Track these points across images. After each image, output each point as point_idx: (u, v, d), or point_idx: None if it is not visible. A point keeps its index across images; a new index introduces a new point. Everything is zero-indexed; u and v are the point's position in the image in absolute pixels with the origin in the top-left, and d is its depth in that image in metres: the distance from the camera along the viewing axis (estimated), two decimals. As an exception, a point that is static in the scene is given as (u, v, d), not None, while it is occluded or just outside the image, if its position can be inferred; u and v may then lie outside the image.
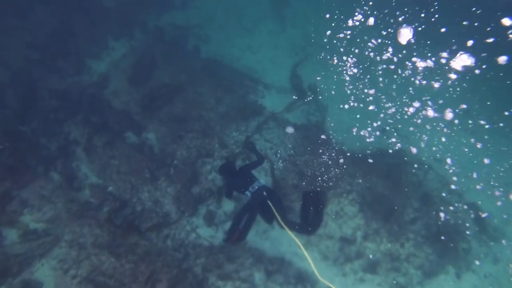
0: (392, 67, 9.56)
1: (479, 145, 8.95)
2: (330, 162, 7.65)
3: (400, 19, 9.19)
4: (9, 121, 7.95)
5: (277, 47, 10.98)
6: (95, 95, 8.88)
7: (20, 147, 7.55)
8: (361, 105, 9.36)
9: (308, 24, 11.52)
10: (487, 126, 9.29)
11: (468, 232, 7.15)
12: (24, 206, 6.86)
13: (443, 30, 8.08)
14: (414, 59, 8.29)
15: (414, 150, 8.34)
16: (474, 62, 5.44)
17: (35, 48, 9.38)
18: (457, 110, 9.16)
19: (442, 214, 7.19)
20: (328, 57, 10.02)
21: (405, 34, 5.77)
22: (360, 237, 6.89)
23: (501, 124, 9.28)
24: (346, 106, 9.38)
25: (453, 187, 7.80)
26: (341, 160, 7.70)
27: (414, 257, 6.71)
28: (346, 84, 9.73)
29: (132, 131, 8.27)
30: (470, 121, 9.60)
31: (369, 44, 9.73)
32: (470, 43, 6.39)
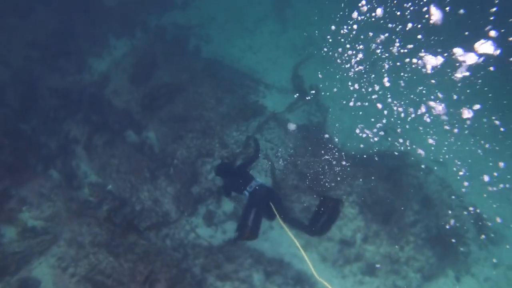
0: (399, 63, 9.35)
1: (487, 146, 8.78)
2: (330, 163, 7.63)
3: (407, 13, 8.86)
4: (9, 120, 7.95)
5: (278, 48, 10.96)
6: (95, 94, 8.88)
7: (20, 145, 7.55)
8: (366, 103, 9.25)
9: (309, 24, 11.49)
10: (502, 129, 9.07)
11: (468, 236, 7.12)
12: (23, 204, 6.85)
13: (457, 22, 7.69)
14: (423, 54, 8.09)
15: (420, 151, 8.27)
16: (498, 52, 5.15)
17: (35, 47, 9.38)
18: (469, 110, 8.84)
19: (452, 221, 7.14)
20: (331, 53, 9.93)
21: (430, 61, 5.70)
22: (359, 240, 6.86)
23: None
24: (350, 104, 9.28)
25: (463, 190, 7.74)
26: (342, 162, 7.68)
27: (413, 260, 6.69)
28: (349, 83, 9.62)
29: (132, 130, 8.26)
30: (484, 120, 9.27)
31: (375, 39, 9.48)
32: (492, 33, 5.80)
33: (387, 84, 9.50)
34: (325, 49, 10.32)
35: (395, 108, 9.24)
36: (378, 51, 9.75)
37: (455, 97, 8.94)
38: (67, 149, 7.82)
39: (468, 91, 8.71)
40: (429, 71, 7.76)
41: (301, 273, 6.49)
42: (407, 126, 8.91)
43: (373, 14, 8.73)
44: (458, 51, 6.05)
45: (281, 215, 5.25)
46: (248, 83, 9.64)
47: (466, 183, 8.06)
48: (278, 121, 8.60)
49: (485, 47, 5.42)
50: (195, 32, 10.99)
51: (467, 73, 6.65)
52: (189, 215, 7.12)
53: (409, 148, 8.48)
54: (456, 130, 8.96)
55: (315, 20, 11.29)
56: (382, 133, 8.71)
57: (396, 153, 8.29)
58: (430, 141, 8.75)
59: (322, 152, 7.87)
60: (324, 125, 8.75)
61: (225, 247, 6.71)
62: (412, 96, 9.37)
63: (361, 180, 7.53)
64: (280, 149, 8.01)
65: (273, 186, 7.33)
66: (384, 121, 8.97)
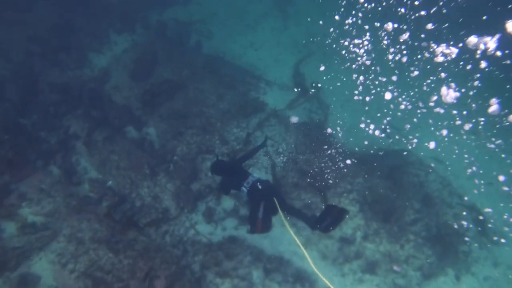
0: (405, 59, 9.15)
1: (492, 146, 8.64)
2: (331, 161, 7.60)
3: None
4: (9, 114, 7.92)
5: (279, 44, 10.91)
6: (96, 89, 8.85)
7: (20, 140, 7.52)
8: (369, 97, 9.13)
9: (311, 21, 11.41)
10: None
11: (468, 234, 7.10)
12: (23, 199, 6.84)
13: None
14: (433, 45, 7.85)
15: (422, 149, 8.19)
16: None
17: (36, 42, 9.34)
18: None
19: (464, 223, 7.10)
20: (333, 49, 9.81)
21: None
22: (359, 238, 6.85)
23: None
24: (352, 101, 9.16)
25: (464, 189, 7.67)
26: (343, 159, 7.66)
27: (413, 258, 6.67)
28: (351, 79, 9.51)
29: (132, 126, 8.23)
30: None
31: (382, 30, 9.21)
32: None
33: (394, 79, 9.36)
34: (328, 43, 10.23)
35: (398, 104, 9.11)
36: (385, 41, 9.50)
37: (464, 90, 8.71)
38: (67, 144, 7.79)
39: (478, 84, 8.42)
40: (439, 61, 7.51)
41: (300, 271, 6.48)
42: (408, 126, 8.85)
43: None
44: (472, 40, 5.78)
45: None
46: (249, 80, 9.60)
47: (467, 182, 8.04)
48: (279, 118, 8.57)
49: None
50: (196, 28, 10.94)
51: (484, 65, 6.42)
52: (189, 212, 7.10)
53: (410, 146, 8.45)
54: (458, 124, 8.83)
55: (316, 17, 11.20)
56: (382, 135, 8.64)
57: (397, 152, 8.26)
58: (432, 139, 8.70)
59: (323, 149, 7.84)
60: (325, 123, 8.72)
61: (224, 244, 6.70)
62: (416, 90, 9.22)
63: (361, 178, 7.51)
64: (280, 146, 7.99)
65: (272, 182, 7.31)
66: (387, 118, 8.90)
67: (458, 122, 8.83)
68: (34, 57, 9.15)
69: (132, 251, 6.46)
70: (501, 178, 7.97)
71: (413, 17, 8.74)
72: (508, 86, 8.70)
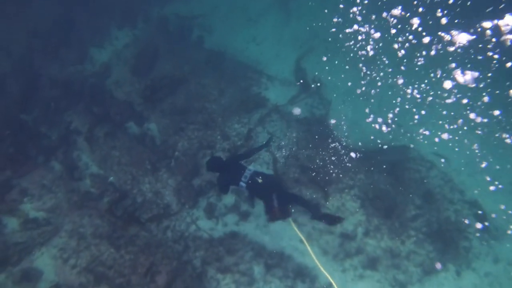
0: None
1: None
2: (332, 157, 7.58)
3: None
4: (10, 110, 7.92)
5: (281, 39, 10.81)
6: (97, 84, 8.84)
7: (21, 136, 7.53)
8: (374, 90, 9.02)
9: (313, 16, 11.31)
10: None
11: (469, 231, 7.09)
12: (24, 195, 6.87)
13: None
14: (442, 34, 7.58)
15: (423, 145, 8.12)
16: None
17: (36, 37, 9.33)
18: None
19: (466, 220, 7.08)
20: (335, 44, 9.68)
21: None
22: (360, 233, 6.85)
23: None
24: (354, 96, 9.06)
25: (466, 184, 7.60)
26: (344, 155, 7.64)
27: (414, 254, 6.68)
28: (354, 75, 9.41)
29: (133, 121, 8.23)
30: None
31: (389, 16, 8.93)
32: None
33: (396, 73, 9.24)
34: (331, 35, 10.13)
35: (404, 97, 8.99)
36: (393, 30, 9.28)
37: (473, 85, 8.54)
38: (68, 140, 7.81)
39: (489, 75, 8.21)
40: (450, 50, 7.27)
41: (301, 266, 6.50)
42: (416, 119, 8.79)
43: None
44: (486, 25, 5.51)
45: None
46: (250, 75, 9.55)
47: (468, 178, 8.01)
48: (281, 114, 8.54)
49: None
50: (198, 23, 10.86)
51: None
52: (190, 208, 7.12)
53: (412, 143, 8.40)
54: (460, 122, 8.77)
55: (319, 12, 11.10)
56: (388, 129, 8.55)
57: (399, 147, 8.22)
58: (433, 134, 8.65)
59: (324, 145, 7.81)
60: (327, 118, 8.68)
61: (225, 239, 6.72)
62: (420, 84, 9.11)
63: (363, 174, 7.49)
64: (282, 142, 7.97)
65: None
66: (390, 114, 8.84)
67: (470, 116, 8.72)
68: (34, 52, 9.14)
69: (134, 247, 6.50)
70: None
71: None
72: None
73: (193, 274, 6.33)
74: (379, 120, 8.73)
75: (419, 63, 9.12)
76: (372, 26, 9.34)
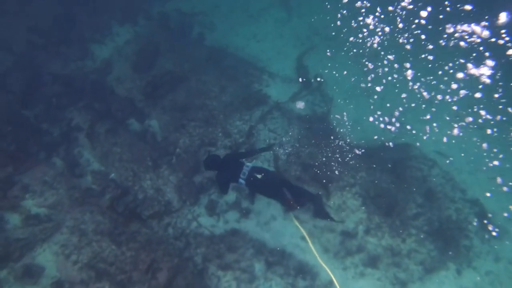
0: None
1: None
2: (334, 154, 7.58)
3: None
4: (12, 106, 7.91)
5: (282, 36, 10.79)
6: (98, 81, 8.82)
7: (22, 132, 7.53)
8: (378, 87, 8.95)
9: (314, 13, 11.26)
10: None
11: (470, 229, 7.10)
12: (26, 191, 6.87)
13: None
14: (449, 26, 7.34)
15: (425, 143, 8.09)
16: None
17: (37, 33, 9.30)
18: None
19: (455, 214, 7.05)
20: (337, 40, 9.57)
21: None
22: (361, 231, 6.86)
23: None
24: (356, 94, 8.97)
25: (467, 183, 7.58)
26: (346, 153, 7.63)
27: (415, 252, 6.68)
28: (356, 72, 9.34)
29: (135, 118, 8.22)
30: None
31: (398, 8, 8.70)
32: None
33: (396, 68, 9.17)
34: (333, 31, 10.08)
35: (407, 95, 8.92)
36: (400, 24, 9.10)
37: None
38: (70, 136, 7.80)
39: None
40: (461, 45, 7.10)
41: (302, 264, 6.51)
42: (415, 120, 8.77)
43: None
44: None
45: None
46: (251, 72, 9.53)
47: (470, 176, 8.00)
48: (282, 111, 8.53)
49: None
50: (199, 20, 10.83)
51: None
52: (191, 204, 7.12)
53: (415, 140, 8.38)
54: (464, 123, 8.76)
55: (320, 9, 11.06)
56: (392, 128, 8.51)
57: (400, 145, 8.21)
58: (435, 132, 8.64)
59: (326, 143, 7.81)
60: (328, 116, 8.67)
61: (226, 237, 6.73)
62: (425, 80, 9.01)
63: (364, 172, 7.49)
64: (283, 139, 7.96)
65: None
66: (394, 111, 8.80)
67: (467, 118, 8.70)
68: (35, 48, 9.12)
69: (135, 243, 6.51)
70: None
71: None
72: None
73: (194, 271, 6.34)
74: (382, 117, 8.72)
75: (426, 58, 9.02)
76: (377, 20, 9.25)
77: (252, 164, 5.66)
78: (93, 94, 8.45)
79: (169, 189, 7.26)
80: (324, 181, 7.21)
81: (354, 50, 9.76)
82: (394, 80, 9.24)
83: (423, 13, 8.05)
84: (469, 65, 7.61)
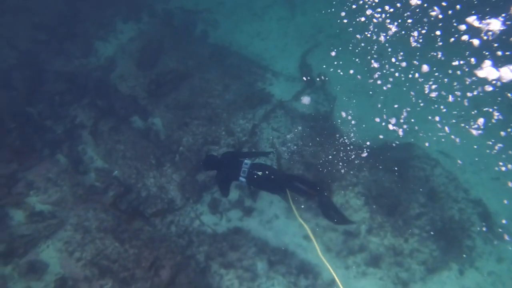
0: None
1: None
2: (337, 154, 7.57)
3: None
4: (16, 103, 7.95)
5: (286, 35, 10.75)
6: (101, 78, 8.83)
7: (27, 129, 7.56)
8: (385, 87, 8.88)
9: (318, 11, 11.21)
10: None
11: (473, 230, 7.08)
12: (30, 188, 6.92)
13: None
14: (460, 22, 7.14)
15: (428, 143, 8.04)
16: None
17: (41, 30, 9.33)
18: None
19: (457, 214, 6.99)
20: (341, 40, 9.47)
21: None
22: (364, 231, 6.86)
23: None
24: (359, 93, 8.92)
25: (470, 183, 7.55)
26: (349, 152, 7.62)
27: (418, 252, 6.68)
28: (360, 70, 9.27)
29: (138, 116, 8.24)
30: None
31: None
32: None
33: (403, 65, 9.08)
34: (338, 28, 10.02)
35: (414, 94, 8.85)
36: (409, 20, 8.95)
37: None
38: (73, 134, 7.83)
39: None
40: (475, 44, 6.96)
41: (304, 263, 6.53)
42: (414, 121, 8.73)
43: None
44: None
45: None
46: (255, 70, 9.52)
47: (473, 176, 7.97)
48: (285, 110, 8.52)
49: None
50: (203, 17, 10.81)
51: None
52: (194, 203, 7.14)
53: (418, 138, 8.35)
54: (471, 127, 8.71)
55: (324, 7, 11.01)
56: (400, 130, 8.46)
57: (403, 145, 8.19)
58: (439, 132, 8.60)
59: (329, 142, 7.80)
60: (332, 115, 8.65)
61: (229, 235, 6.75)
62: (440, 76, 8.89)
63: (367, 171, 7.48)
64: (286, 138, 7.96)
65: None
66: (398, 110, 8.77)
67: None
68: (39, 45, 9.14)
69: (138, 241, 6.54)
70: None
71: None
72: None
73: (197, 269, 6.37)
74: (387, 116, 8.69)
75: (435, 57, 8.92)
76: (384, 16, 9.14)
77: (250, 161, 5.65)
78: (96, 91, 8.48)
79: (172, 187, 7.28)
80: (327, 180, 7.21)
81: (360, 48, 9.72)
82: (403, 79, 9.17)
83: (433, 9, 7.89)
84: (483, 64, 7.39)
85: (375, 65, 9.51)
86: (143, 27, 10.19)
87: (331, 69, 9.54)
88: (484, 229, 7.07)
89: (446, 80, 8.97)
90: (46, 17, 9.57)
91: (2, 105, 7.82)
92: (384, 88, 9.16)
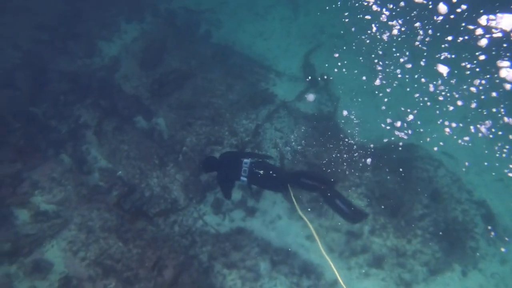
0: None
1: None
2: (340, 154, 7.57)
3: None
4: (20, 103, 7.99)
5: (289, 35, 10.75)
6: (105, 78, 8.86)
7: (31, 129, 7.60)
8: (388, 88, 8.85)
9: (321, 11, 11.18)
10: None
11: (476, 231, 7.07)
12: (35, 187, 6.96)
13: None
14: (467, 22, 7.07)
15: (431, 144, 8.01)
16: None
17: (44, 30, 9.36)
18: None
19: (461, 216, 6.98)
20: (344, 40, 9.48)
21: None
22: (367, 232, 6.86)
23: None
24: (362, 94, 8.91)
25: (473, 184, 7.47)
26: (352, 153, 7.62)
27: (420, 253, 6.68)
28: (363, 69, 9.23)
29: (141, 116, 8.26)
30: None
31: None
32: None
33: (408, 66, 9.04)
34: (342, 29, 10.00)
35: (420, 94, 8.81)
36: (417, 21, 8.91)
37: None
38: (77, 134, 7.86)
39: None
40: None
41: (307, 263, 6.54)
42: (418, 122, 8.72)
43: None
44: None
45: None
46: (258, 70, 9.53)
47: (476, 177, 7.96)
48: (288, 110, 8.53)
49: None
50: (206, 17, 10.82)
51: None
52: (198, 203, 7.17)
53: (422, 140, 8.34)
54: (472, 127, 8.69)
55: (327, 7, 10.99)
56: (403, 134, 8.45)
57: (407, 146, 8.18)
58: (442, 133, 8.59)
59: (332, 142, 7.80)
60: (335, 115, 8.65)
61: (232, 235, 6.77)
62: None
63: (370, 172, 7.48)
64: (290, 138, 7.96)
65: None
66: (404, 112, 8.75)
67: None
68: (42, 45, 9.17)
69: (141, 241, 6.57)
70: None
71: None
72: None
73: (200, 268, 6.40)
74: (390, 117, 8.68)
75: (441, 57, 8.88)
76: (389, 16, 9.08)
77: (250, 160, 5.63)
78: (100, 91, 8.51)
79: (175, 187, 7.31)
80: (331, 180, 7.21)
81: (364, 48, 9.70)
82: (407, 80, 9.14)
83: (439, 8, 7.79)
84: (493, 64, 7.21)
85: (380, 65, 9.48)
86: (146, 27, 10.21)
87: (335, 69, 9.53)
88: (492, 234, 7.03)
89: (453, 80, 8.92)
90: (48, 17, 9.60)
91: (6, 105, 7.86)
92: (388, 90, 9.14)
